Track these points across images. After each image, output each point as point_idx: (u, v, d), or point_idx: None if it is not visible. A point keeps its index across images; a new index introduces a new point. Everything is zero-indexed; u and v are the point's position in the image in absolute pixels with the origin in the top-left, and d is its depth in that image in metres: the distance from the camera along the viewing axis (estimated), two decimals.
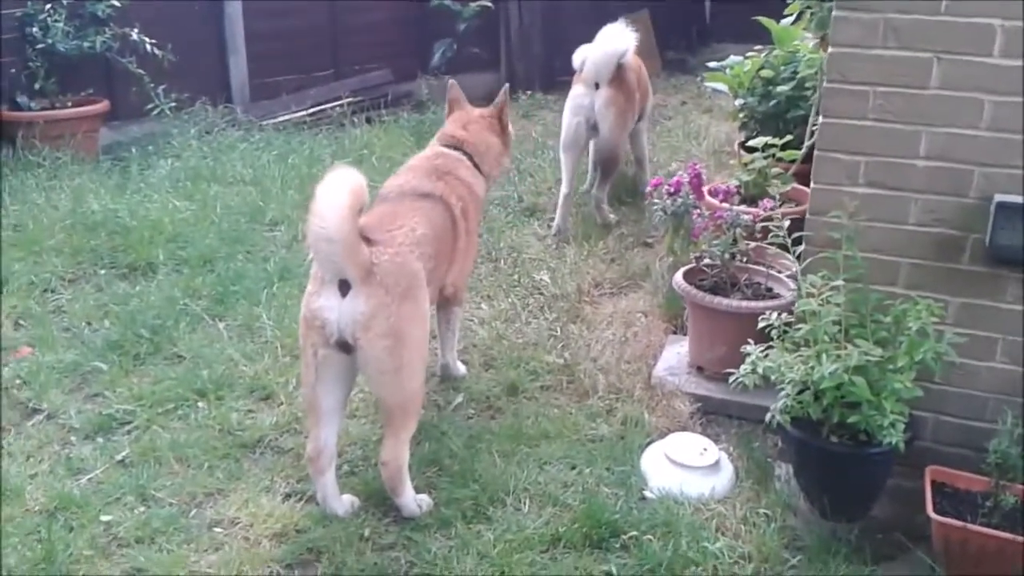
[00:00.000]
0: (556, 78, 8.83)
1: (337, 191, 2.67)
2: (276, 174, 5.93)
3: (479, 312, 4.29)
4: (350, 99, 7.51)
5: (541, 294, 4.43)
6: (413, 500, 2.96)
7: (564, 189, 5.24)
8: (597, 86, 5.17)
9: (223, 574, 2.71)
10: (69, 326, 4.16)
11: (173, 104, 6.66)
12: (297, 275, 4.49)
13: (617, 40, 5.22)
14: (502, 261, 4.81)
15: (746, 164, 4.61)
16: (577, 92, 5.24)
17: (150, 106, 6.61)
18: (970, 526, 2.58)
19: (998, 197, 2.90)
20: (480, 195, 3.61)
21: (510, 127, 3.82)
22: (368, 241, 2.81)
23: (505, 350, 3.97)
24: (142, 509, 3.00)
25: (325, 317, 2.78)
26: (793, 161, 4.64)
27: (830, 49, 3.04)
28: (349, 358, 2.83)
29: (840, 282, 3.01)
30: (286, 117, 7.30)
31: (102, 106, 6.48)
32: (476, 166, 3.60)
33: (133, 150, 6.26)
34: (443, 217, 3.28)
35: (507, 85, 4.17)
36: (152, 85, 6.61)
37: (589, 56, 5.20)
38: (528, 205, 5.62)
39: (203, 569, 2.75)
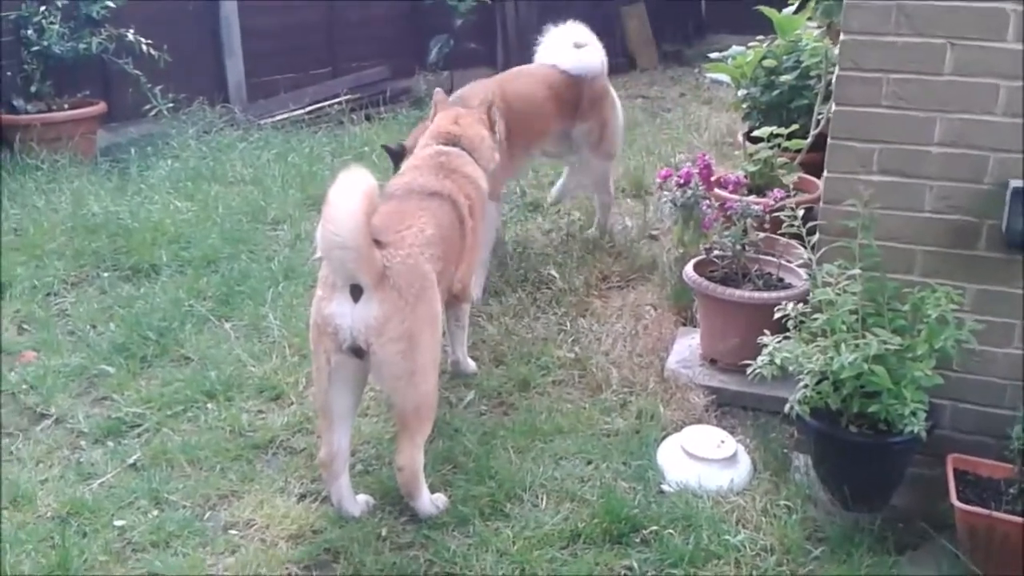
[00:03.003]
0: None
1: (350, 196, 2.62)
2: (276, 173, 5.89)
3: (487, 308, 4.25)
4: (348, 96, 7.48)
5: (549, 288, 4.40)
6: (429, 501, 2.93)
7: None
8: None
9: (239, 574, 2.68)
10: (74, 329, 4.12)
11: (171, 105, 6.61)
12: (302, 274, 4.46)
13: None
14: (508, 256, 4.77)
15: (752, 154, 4.59)
16: None
17: (147, 107, 6.56)
18: (995, 514, 2.56)
19: (1013, 182, 2.88)
20: (484, 189, 3.55)
21: (499, 123, 3.77)
22: (378, 243, 2.76)
23: (515, 345, 3.94)
24: (156, 513, 2.96)
25: (337, 323, 2.73)
26: (799, 151, 4.62)
27: (842, 36, 3.01)
28: (362, 363, 2.79)
29: (856, 271, 2.99)
30: (284, 116, 7.26)
31: (99, 108, 6.43)
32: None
33: (132, 151, 6.22)
34: (451, 216, 3.22)
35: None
36: (149, 86, 6.56)
37: None
38: (532, 200, 5.58)
39: (220, 572, 2.72)
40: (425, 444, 2.95)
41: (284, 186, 5.67)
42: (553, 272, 4.49)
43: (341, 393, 2.85)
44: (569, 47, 4.64)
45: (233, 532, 2.89)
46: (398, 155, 4.08)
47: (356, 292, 2.73)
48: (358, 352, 2.76)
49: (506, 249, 4.79)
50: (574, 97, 4.60)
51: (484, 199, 3.56)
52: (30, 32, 6.17)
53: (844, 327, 2.89)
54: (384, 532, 2.86)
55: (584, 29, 4.77)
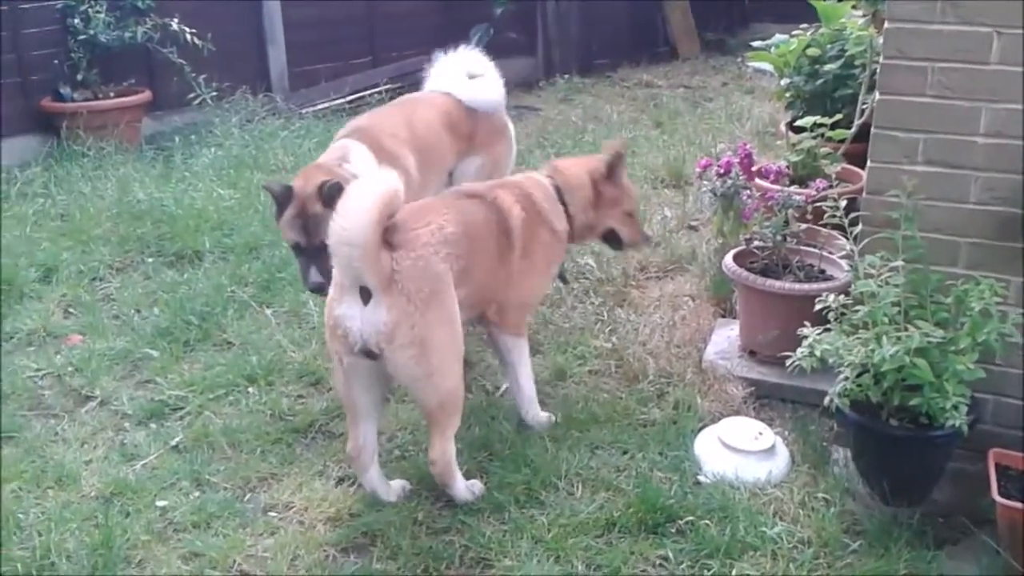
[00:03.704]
0: (593, 61, 8.80)
1: (366, 195, 2.62)
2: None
3: None
4: (388, 86, 7.51)
5: (587, 278, 4.39)
6: (465, 488, 2.95)
7: None
8: None
9: (279, 558, 2.72)
10: (118, 314, 4.20)
11: (214, 93, 6.69)
12: None
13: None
14: None
15: (794, 144, 4.53)
16: None
17: (191, 95, 6.65)
18: None
19: None
20: (557, 229, 3.29)
21: (625, 182, 3.47)
22: (389, 245, 2.71)
23: (552, 335, 3.95)
24: (197, 494, 3.02)
25: (347, 326, 2.71)
26: (842, 141, 4.56)
27: (887, 25, 2.96)
28: (377, 363, 2.78)
29: (899, 263, 2.94)
30: (325, 105, 7.32)
31: (144, 96, 6.53)
32: (564, 203, 3.33)
33: (176, 139, 6.31)
34: (488, 222, 3.09)
35: (622, 142, 3.65)
36: (193, 75, 6.65)
37: None
38: None
39: (259, 553, 2.76)
40: (461, 431, 2.97)
41: None
42: (591, 262, 4.48)
43: (361, 390, 2.86)
44: (463, 77, 4.26)
45: (272, 514, 2.93)
46: (284, 197, 3.48)
47: (366, 295, 2.69)
48: (370, 355, 2.74)
49: None
50: (469, 129, 4.17)
51: (552, 236, 3.29)
52: (76, 21, 6.28)
53: (886, 319, 2.86)
54: (420, 517, 2.89)
55: (481, 57, 4.37)
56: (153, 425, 3.41)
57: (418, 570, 2.68)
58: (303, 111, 7.13)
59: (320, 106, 7.29)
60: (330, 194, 3.26)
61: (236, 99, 6.87)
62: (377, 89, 7.46)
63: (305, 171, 3.60)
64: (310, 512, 2.91)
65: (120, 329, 4.06)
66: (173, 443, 3.29)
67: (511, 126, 4.40)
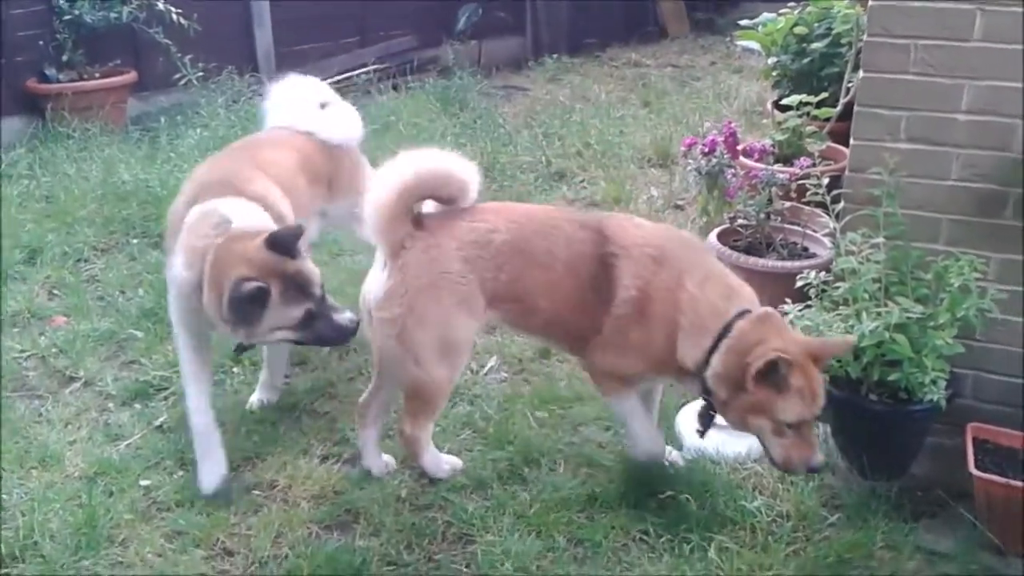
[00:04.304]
0: (582, 41, 8.76)
1: (404, 167, 2.67)
2: None
3: None
4: (376, 66, 7.47)
5: None
6: (433, 462, 2.95)
7: None
8: None
9: (262, 535, 2.73)
10: (103, 295, 4.19)
11: (200, 74, 6.63)
12: (326, 242, 4.49)
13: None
14: None
15: (780, 123, 4.54)
16: None
17: (177, 76, 6.59)
18: (1013, 482, 2.54)
19: None
20: (679, 347, 2.65)
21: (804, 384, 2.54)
22: (418, 223, 2.73)
23: None
24: (181, 473, 3.03)
25: (367, 288, 2.80)
26: (828, 119, 4.56)
27: (871, 3, 2.96)
28: None
29: (880, 240, 2.96)
30: None
31: (130, 77, 6.49)
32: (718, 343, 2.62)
33: (161, 120, 6.26)
34: (573, 254, 2.71)
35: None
36: (179, 55, 6.58)
37: None
38: (557, 169, 5.57)
39: (243, 531, 2.77)
40: (445, 408, 2.97)
41: None
42: None
43: None
44: (316, 108, 3.57)
45: (256, 492, 2.94)
46: (261, 293, 2.69)
47: None
48: None
49: None
50: (328, 170, 3.47)
51: (662, 345, 2.67)
52: (62, 2, 6.22)
53: (866, 296, 2.87)
54: (404, 494, 2.90)
55: (322, 85, 3.78)
56: (137, 405, 3.41)
57: (401, 546, 2.70)
58: None
59: None
60: (277, 240, 2.74)
61: (222, 79, 6.80)
62: (365, 69, 7.43)
63: (229, 257, 2.73)
64: (294, 490, 2.92)
65: (105, 310, 4.05)
66: (157, 423, 3.29)
67: (364, 158, 3.69)
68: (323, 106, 3.61)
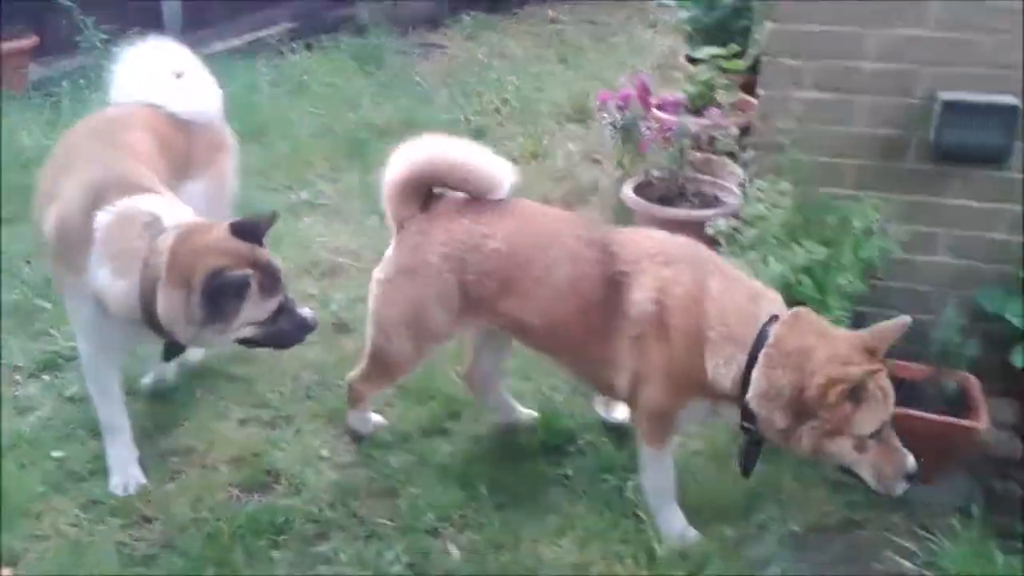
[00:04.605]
0: None
1: (420, 151, 2.65)
2: None
3: None
4: (288, 25, 7.29)
5: None
6: (360, 420, 2.94)
7: None
8: None
9: (182, 501, 2.70)
10: (8, 266, 4.04)
11: (104, 37, 6.37)
12: (250, 206, 4.39)
13: None
14: None
15: (692, 76, 4.59)
16: None
17: (80, 39, 6.34)
18: (914, 412, 2.65)
19: (943, 95, 2.94)
20: (700, 366, 2.36)
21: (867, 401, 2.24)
22: (426, 208, 2.67)
23: None
24: (94, 443, 2.95)
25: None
26: (739, 72, 4.63)
27: None
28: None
29: (787, 186, 3.03)
30: (222, 47, 7.06)
31: (30, 41, 6.22)
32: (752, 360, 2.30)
33: (64, 85, 6.01)
34: (576, 274, 2.49)
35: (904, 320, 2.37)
36: (82, 18, 6.33)
37: None
38: (476, 127, 5.54)
39: (160, 498, 2.73)
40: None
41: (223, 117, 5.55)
42: None
43: None
44: (170, 78, 3.18)
45: (174, 459, 2.90)
46: (241, 280, 2.46)
47: None
48: None
49: None
50: (183, 147, 3.07)
51: (684, 372, 2.38)
52: None
53: (774, 240, 2.95)
54: (326, 452, 2.90)
55: (182, 51, 3.35)
56: (47, 377, 3.31)
57: (324, 504, 2.70)
58: (198, 53, 6.88)
59: (217, 48, 7.03)
60: (244, 228, 2.52)
61: (127, 42, 6.58)
62: (276, 28, 7.25)
63: (193, 249, 2.47)
64: (212, 454, 2.89)
65: (10, 282, 3.91)
66: (68, 394, 3.20)
67: (231, 137, 3.37)
68: (179, 76, 3.21)
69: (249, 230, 2.51)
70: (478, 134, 5.45)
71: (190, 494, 2.73)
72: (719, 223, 3.11)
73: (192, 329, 2.48)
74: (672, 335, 2.35)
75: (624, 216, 4.08)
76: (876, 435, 2.22)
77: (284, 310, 2.55)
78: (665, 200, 3.79)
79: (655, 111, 4.21)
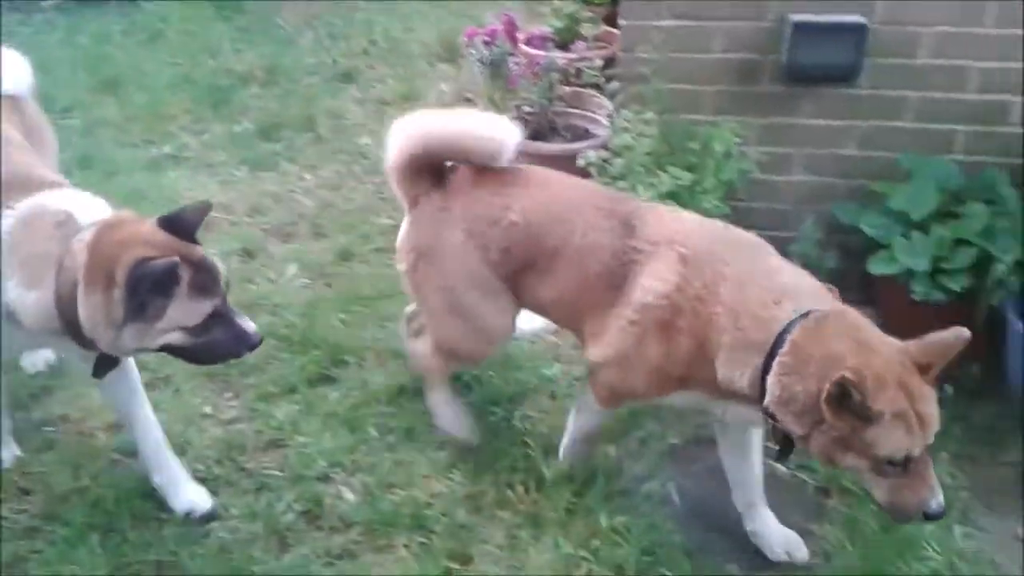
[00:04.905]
0: None
1: (415, 127, 2.52)
2: (64, 57, 5.44)
3: (302, 183, 4.19)
4: None
5: (366, 159, 4.34)
6: (447, 408, 2.73)
7: None
8: None
9: (60, 470, 2.61)
10: None
11: None
12: (99, 162, 4.22)
13: None
14: (322, 128, 4.67)
15: (557, 10, 4.60)
16: None
17: None
18: None
19: (793, 17, 3.04)
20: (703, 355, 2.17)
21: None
22: (439, 182, 2.53)
23: (335, 217, 3.92)
24: None
25: None
26: (602, 4, 4.66)
27: None
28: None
29: (651, 115, 3.10)
30: None
31: None
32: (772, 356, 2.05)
33: None
34: (586, 244, 2.35)
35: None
36: None
37: None
38: (344, 70, 5.41)
39: (37, 468, 2.64)
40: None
41: (73, 71, 5.25)
42: (368, 141, 4.42)
43: None
44: None
45: (48, 428, 2.80)
46: (168, 270, 2.14)
47: None
48: None
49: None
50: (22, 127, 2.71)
51: (686, 358, 2.20)
52: None
53: (641, 169, 3.02)
54: (208, 410, 2.86)
55: None
56: None
57: (210, 461, 2.67)
58: (44, 3, 6.47)
59: None
60: (176, 221, 2.24)
61: None
62: None
63: (116, 243, 2.17)
64: (88, 422, 2.81)
65: None
66: None
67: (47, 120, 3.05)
68: None
69: (180, 224, 2.22)
70: (346, 77, 5.35)
71: (69, 463, 2.65)
72: (589, 155, 3.16)
73: (112, 332, 2.15)
74: (673, 335, 2.18)
75: None
76: (900, 463, 1.93)
77: (221, 317, 2.22)
78: (538, 135, 3.82)
79: (523, 46, 4.21)
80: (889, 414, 1.87)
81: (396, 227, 3.69)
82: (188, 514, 2.48)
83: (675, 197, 2.91)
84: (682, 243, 2.22)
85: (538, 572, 2.28)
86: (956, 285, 2.79)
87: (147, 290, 2.10)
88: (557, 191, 2.50)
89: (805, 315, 2.02)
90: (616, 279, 2.27)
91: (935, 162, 3.06)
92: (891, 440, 1.89)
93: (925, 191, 2.97)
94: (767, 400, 2.01)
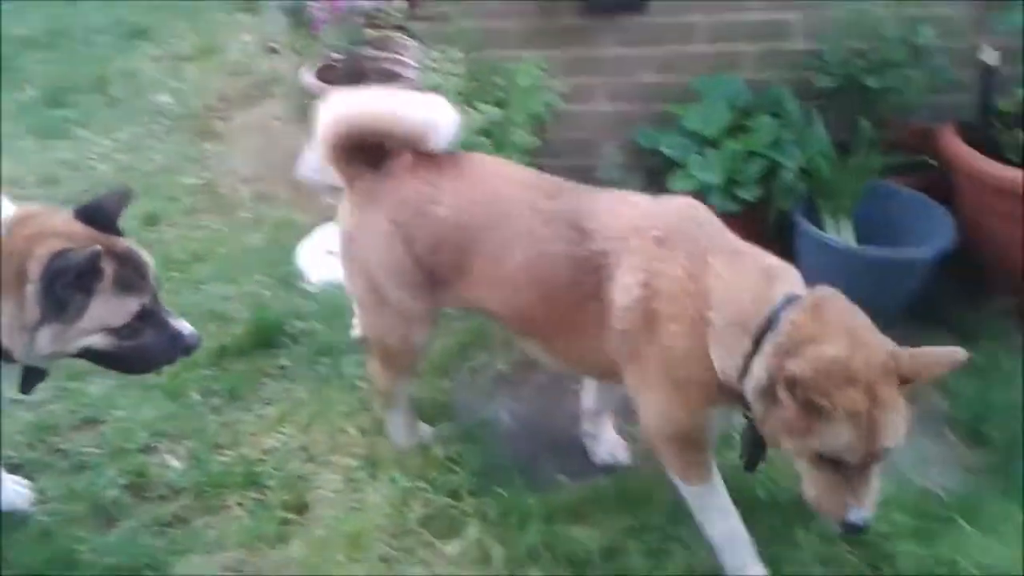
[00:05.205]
0: None
1: (340, 103, 2.24)
2: None
3: (98, 149, 3.94)
4: None
5: (165, 117, 4.13)
6: (400, 425, 2.51)
7: None
8: None
9: None
10: None
11: None
12: None
13: None
14: (115, 89, 4.40)
15: None
16: None
17: None
18: None
19: None
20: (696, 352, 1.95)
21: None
22: (376, 163, 2.24)
23: (136, 180, 3.71)
24: None
25: None
26: None
27: None
28: None
29: (458, 53, 3.10)
30: None
31: None
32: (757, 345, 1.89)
33: None
34: (537, 255, 2.10)
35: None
36: None
37: None
38: (135, 26, 5.11)
39: None
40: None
41: None
42: (167, 98, 4.21)
43: None
44: None
45: None
46: (89, 262, 1.94)
47: None
48: None
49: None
50: None
51: (683, 365, 1.98)
52: None
53: None
54: (13, 394, 2.67)
55: None
56: None
57: (21, 445, 2.52)
58: None
59: None
60: (92, 211, 2.02)
61: None
62: None
63: (29, 240, 1.91)
64: None
65: None
66: None
67: None
68: None
69: (99, 213, 1.98)
70: (139, 34, 5.06)
71: None
72: None
73: (26, 336, 1.90)
74: (666, 323, 1.96)
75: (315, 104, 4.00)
76: (837, 464, 1.80)
77: (151, 317, 2.01)
78: (349, 81, 3.73)
79: None
80: (843, 411, 1.74)
81: (203, 186, 3.64)
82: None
83: (487, 134, 2.93)
84: (651, 226, 2.02)
85: (376, 508, 2.29)
86: (749, 195, 2.96)
87: (65, 285, 1.85)
88: (494, 186, 2.22)
89: (791, 299, 1.87)
90: (588, 290, 2.04)
91: (724, 81, 3.22)
92: (836, 439, 1.76)
93: (716, 110, 3.12)
94: (747, 382, 1.85)
